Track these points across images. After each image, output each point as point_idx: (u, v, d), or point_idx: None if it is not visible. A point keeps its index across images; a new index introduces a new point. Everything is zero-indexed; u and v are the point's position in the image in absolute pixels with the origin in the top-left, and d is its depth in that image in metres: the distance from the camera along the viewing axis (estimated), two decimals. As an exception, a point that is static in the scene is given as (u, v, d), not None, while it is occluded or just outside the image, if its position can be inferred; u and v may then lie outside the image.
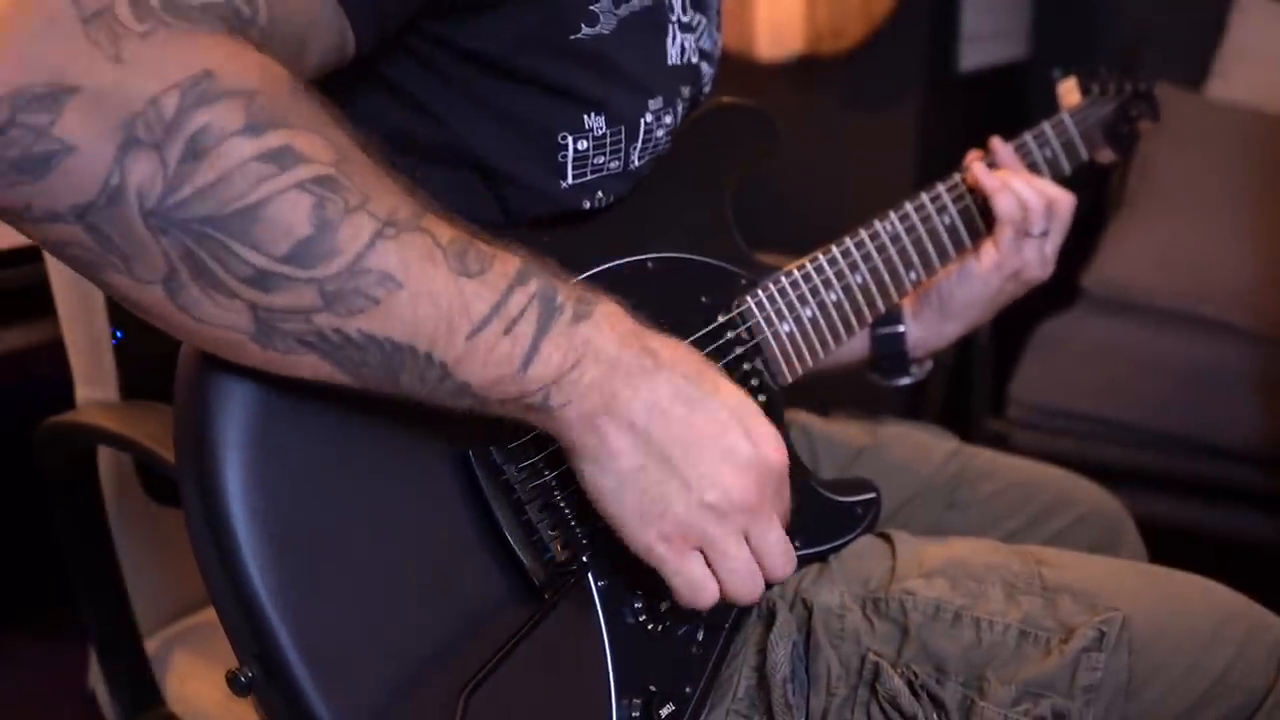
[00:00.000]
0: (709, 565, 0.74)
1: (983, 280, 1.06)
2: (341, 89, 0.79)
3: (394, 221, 0.62)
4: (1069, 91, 1.21)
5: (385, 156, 0.65)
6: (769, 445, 0.74)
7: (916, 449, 1.17)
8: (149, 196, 0.57)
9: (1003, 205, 1.04)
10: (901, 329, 1.09)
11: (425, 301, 0.63)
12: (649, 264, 0.88)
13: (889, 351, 1.09)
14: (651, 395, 0.70)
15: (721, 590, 0.75)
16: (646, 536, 0.72)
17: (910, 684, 0.82)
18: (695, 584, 0.74)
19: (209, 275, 0.59)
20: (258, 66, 0.60)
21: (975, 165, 1.06)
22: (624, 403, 0.70)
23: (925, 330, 1.09)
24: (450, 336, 0.64)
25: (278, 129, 0.59)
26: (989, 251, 1.05)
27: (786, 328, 0.93)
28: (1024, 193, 1.04)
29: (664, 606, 0.81)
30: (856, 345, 1.09)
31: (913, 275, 1.01)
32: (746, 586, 0.75)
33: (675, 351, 0.73)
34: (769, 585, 0.77)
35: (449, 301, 0.64)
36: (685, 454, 0.71)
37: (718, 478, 0.72)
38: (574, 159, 0.83)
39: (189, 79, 0.57)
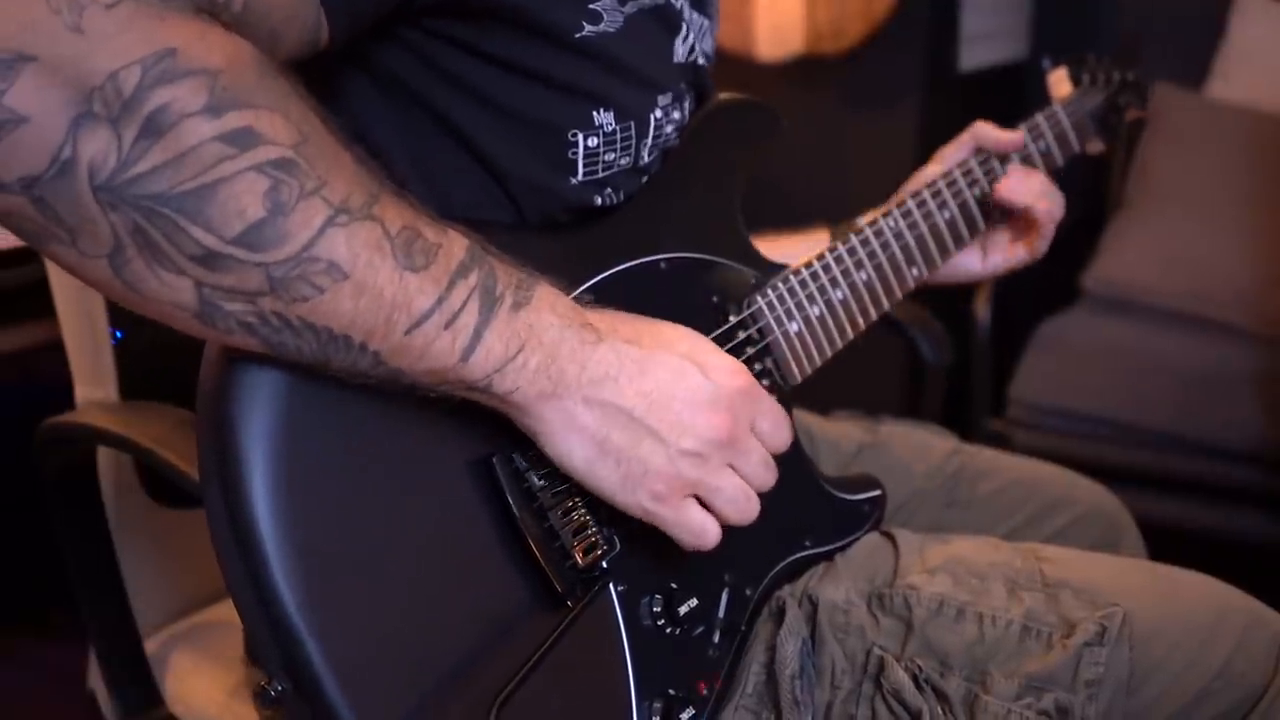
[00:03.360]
0: (704, 505, 0.75)
1: (975, 276, 1.10)
2: (353, 94, 0.79)
3: (347, 209, 0.62)
4: (1059, 82, 1.21)
5: (346, 132, 0.64)
6: (726, 374, 0.76)
7: (916, 448, 1.17)
8: (100, 171, 0.56)
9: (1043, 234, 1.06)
10: None
11: (368, 295, 0.63)
12: (661, 264, 0.88)
13: None
14: (599, 367, 0.71)
15: (721, 521, 0.76)
16: (638, 500, 0.73)
17: (914, 678, 0.82)
18: (696, 529, 0.75)
19: (156, 251, 0.59)
20: (223, 45, 0.59)
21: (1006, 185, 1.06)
22: (572, 379, 0.70)
23: None
24: (388, 330, 0.64)
25: (239, 110, 0.58)
26: (997, 257, 1.08)
27: (795, 327, 0.93)
28: (1054, 209, 1.06)
29: (682, 610, 0.81)
30: None
31: (915, 271, 1.02)
32: (744, 510, 0.77)
33: (613, 320, 0.74)
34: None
35: (391, 296, 0.64)
36: (649, 411, 0.72)
37: (688, 424, 0.73)
38: (584, 156, 0.83)
39: (152, 55, 0.56)
